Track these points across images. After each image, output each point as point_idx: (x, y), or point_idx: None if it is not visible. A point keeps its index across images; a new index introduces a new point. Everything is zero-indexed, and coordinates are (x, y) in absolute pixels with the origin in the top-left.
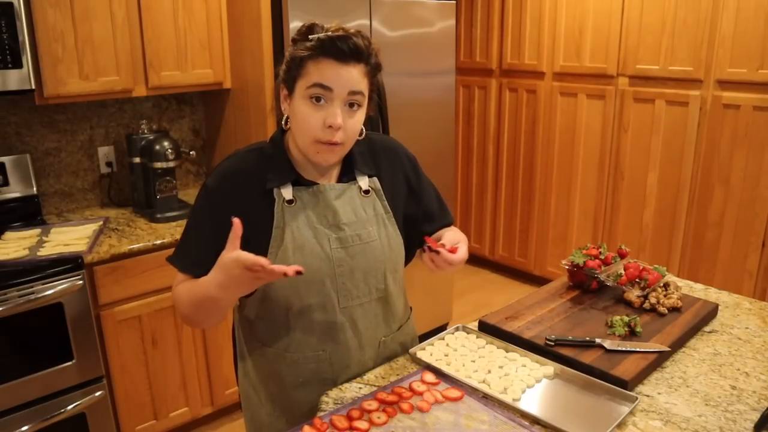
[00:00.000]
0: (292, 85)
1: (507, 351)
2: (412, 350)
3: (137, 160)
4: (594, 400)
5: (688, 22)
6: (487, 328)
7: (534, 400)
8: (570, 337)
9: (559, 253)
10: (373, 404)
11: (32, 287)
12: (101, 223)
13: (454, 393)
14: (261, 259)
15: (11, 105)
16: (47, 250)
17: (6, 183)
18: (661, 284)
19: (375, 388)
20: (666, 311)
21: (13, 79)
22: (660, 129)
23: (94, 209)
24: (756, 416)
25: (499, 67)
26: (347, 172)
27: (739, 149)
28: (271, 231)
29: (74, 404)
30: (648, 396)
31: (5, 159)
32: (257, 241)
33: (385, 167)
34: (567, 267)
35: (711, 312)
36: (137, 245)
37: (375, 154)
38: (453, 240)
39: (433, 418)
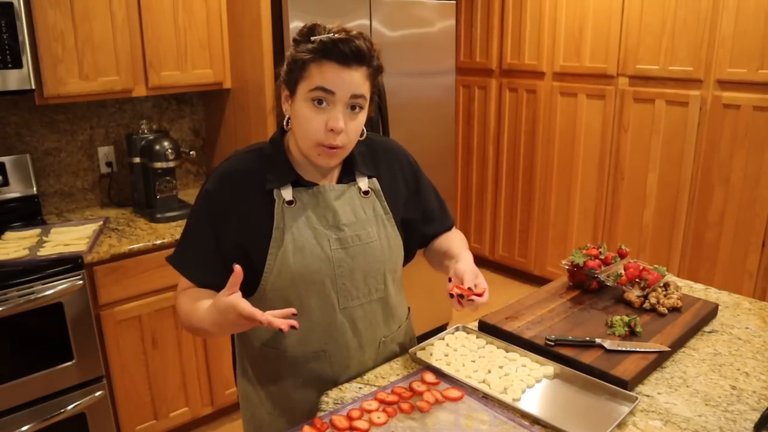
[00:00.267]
0: (293, 87)
1: (507, 351)
2: (412, 350)
3: (137, 160)
4: (594, 400)
5: (688, 22)
6: (487, 328)
7: (534, 400)
8: (570, 337)
9: (559, 253)
10: (373, 404)
11: (32, 287)
12: (101, 223)
13: (454, 393)
14: (256, 312)
15: (11, 105)
16: (47, 250)
17: (6, 183)
18: (661, 284)
19: (375, 388)
20: (666, 311)
21: (13, 79)
22: (660, 129)
23: (94, 209)
24: (756, 416)
25: (499, 67)
26: (347, 173)
27: (739, 149)
28: (271, 232)
29: (74, 404)
30: (648, 396)
31: (5, 159)
32: (257, 242)
33: (385, 168)
34: (567, 267)
35: (711, 312)
36: (137, 245)
37: (375, 156)
38: (471, 270)
39: (433, 418)
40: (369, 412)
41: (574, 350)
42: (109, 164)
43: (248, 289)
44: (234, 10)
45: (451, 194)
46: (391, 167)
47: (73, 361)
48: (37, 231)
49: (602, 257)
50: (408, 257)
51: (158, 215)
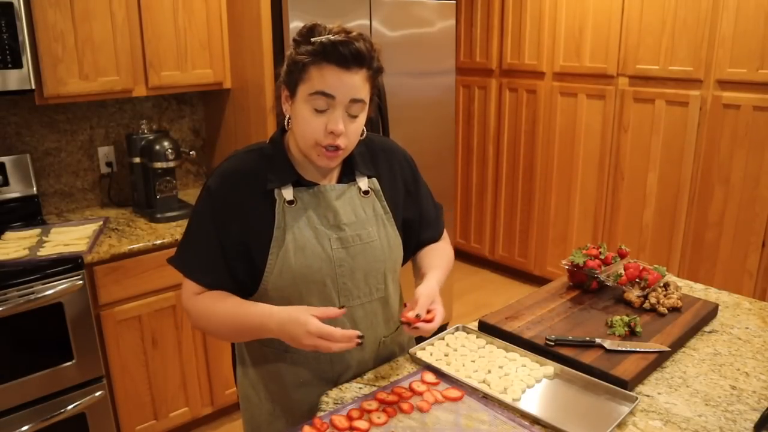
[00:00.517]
0: (293, 88)
1: (507, 351)
2: (412, 350)
3: (137, 160)
4: (594, 400)
5: (688, 22)
6: (487, 328)
7: (534, 400)
8: (570, 337)
9: (559, 253)
10: (373, 404)
11: (32, 287)
12: (101, 223)
13: (454, 393)
14: (335, 332)
15: (11, 105)
16: (47, 250)
17: (6, 183)
18: (661, 284)
19: (375, 388)
20: (666, 311)
21: (13, 79)
22: (660, 129)
23: (94, 209)
24: (756, 416)
25: (499, 67)
26: (347, 173)
27: (739, 149)
28: (272, 232)
29: (74, 404)
30: (648, 396)
31: (5, 159)
32: (258, 241)
33: (385, 168)
34: (567, 267)
35: (711, 312)
36: (137, 245)
37: (374, 155)
38: (428, 294)
39: (433, 418)
40: (369, 412)
41: (574, 350)
42: (109, 164)
43: (249, 289)
44: (234, 10)
45: (451, 194)
46: (391, 167)
47: (73, 361)
48: (37, 231)
49: (602, 257)
50: (405, 257)
51: (158, 215)
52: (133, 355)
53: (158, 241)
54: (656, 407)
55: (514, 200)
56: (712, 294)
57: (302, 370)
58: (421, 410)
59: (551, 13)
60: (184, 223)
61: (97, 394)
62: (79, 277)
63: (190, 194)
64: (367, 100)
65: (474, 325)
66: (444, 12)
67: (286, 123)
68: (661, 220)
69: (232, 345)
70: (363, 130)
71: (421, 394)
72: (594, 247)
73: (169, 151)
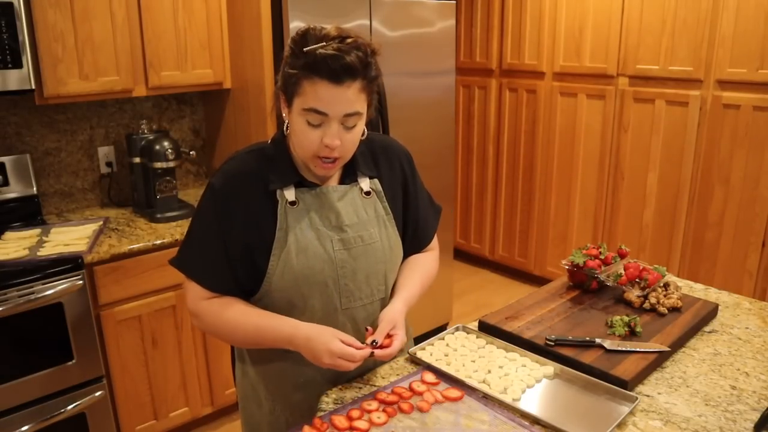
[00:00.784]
0: (289, 99)
1: (507, 351)
2: (412, 350)
3: (137, 160)
4: (594, 400)
5: (688, 22)
6: (487, 328)
7: (534, 400)
8: (570, 337)
9: (559, 253)
10: (373, 404)
11: (32, 287)
12: (101, 223)
13: (454, 393)
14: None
15: (11, 105)
16: (47, 250)
17: (6, 183)
18: (661, 284)
19: (375, 388)
20: (666, 311)
21: (13, 79)
22: (660, 129)
23: (94, 209)
24: (756, 416)
25: (499, 67)
26: (349, 174)
27: (739, 149)
28: (275, 233)
29: (74, 404)
30: (648, 396)
31: (5, 159)
32: (261, 242)
33: (385, 168)
34: (567, 267)
35: (711, 312)
36: (137, 245)
37: (375, 155)
38: (390, 319)
39: (433, 418)
40: (369, 412)
41: (574, 350)
42: (109, 164)
43: (251, 289)
44: (234, 10)
45: (451, 194)
46: (392, 166)
47: (73, 361)
48: (37, 231)
49: (602, 257)
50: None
51: (158, 215)
52: (133, 355)
53: (158, 241)
54: (656, 407)
55: (514, 200)
56: (712, 294)
57: (303, 370)
58: (421, 410)
59: (551, 13)
60: (184, 223)
61: (97, 394)
62: (79, 277)
63: (190, 194)
64: (364, 110)
65: (474, 325)
66: (444, 12)
67: (285, 128)
68: (661, 220)
69: (232, 345)
70: (364, 131)
71: (421, 394)
72: (594, 247)
73: (169, 151)
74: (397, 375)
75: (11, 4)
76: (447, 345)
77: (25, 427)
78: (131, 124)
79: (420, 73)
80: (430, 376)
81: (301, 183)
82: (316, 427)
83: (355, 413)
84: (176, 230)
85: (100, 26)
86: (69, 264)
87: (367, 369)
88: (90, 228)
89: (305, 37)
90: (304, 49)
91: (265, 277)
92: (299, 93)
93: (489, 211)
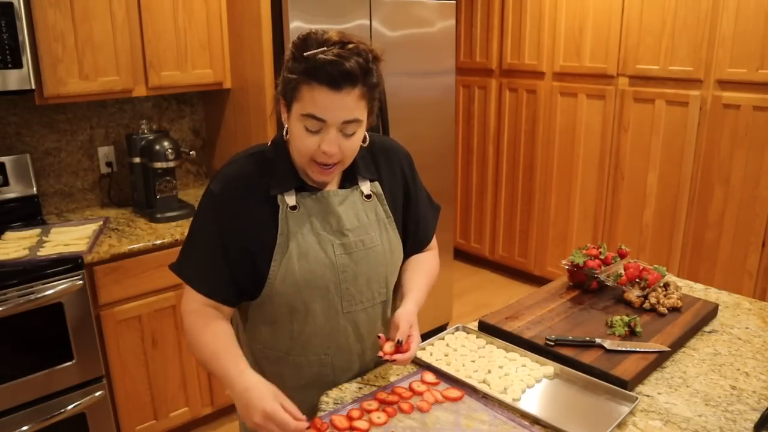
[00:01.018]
0: (289, 103)
1: (507, 351)
2: None
3: (137, 160)
4: (594, 400)
5: (688, 22)
6: (487, 328)
7: (534, 400)
8: (570, 337)
9: (559, 253)
10: (373, 404)
11: (32, 287)
12: (101, 223)
13: (454, 393)
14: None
15: (11, 105)
16: (47, 250)
17: (6, 183)
18: (661, 284)
19: (375, 388)
20: (666, 311)
21: (13, 79)
22: (660, 129)
23: (94, 209)
24: (756, 416)
25: (499, 67)
26: (349, 177)
27: (739, 149)
28: (276, 238)
29: (74, 404)
30: (648, 396)
31: (5, 159)
32: (262, 247)
33: (386, 171)
34: (567, 267)
35: (711, 312)
36: (137, 245)
37: (376, 158)
38: (408, 319)
39: (433, 418)
40: (369, 412)
41: (574, 350)
42: (109, 164)
43: (252, 294)
44: (234, 10)
45: (451, 194)
46: (392, 168)
47: (73, 361)
48: (37, 231)
49: (602, 257)
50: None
51: (158, 215)
52: (133, 355)
53: (158, 241)
54: (656, 407)
55: (514, 200)
56: (712, 294)
57: (305, 374)
58: (421, 410)
59: (551, 13)
60: (185, 223)
61: (97, 394)
62: (79, 277)
63: (190, 194)
64: (364, 118)
65: (474, 325)
66: (444, 12)
67: (285, 133)
68: (661, 220)
69: None
70: (365, 137)
71: (421, 394)
72: (594, 247)
73: (169, 151)
74: (397, 375)
75: (11, 4)
76: (447, 345)
77: (25, 427)
78: (131, 124)
79: (420, 73)
80: (430, 376)
81: (301, 187)
82: (316, 427)
83: (355, 413)
84: (176, 230)
85: (100, 26)
86: (69, 264)
87: (367, 369)
88: (90, 228)
89: (306, 41)
90: (304, 54)
91: (267, 282)
92: (298, 98)
93: (489, 211)
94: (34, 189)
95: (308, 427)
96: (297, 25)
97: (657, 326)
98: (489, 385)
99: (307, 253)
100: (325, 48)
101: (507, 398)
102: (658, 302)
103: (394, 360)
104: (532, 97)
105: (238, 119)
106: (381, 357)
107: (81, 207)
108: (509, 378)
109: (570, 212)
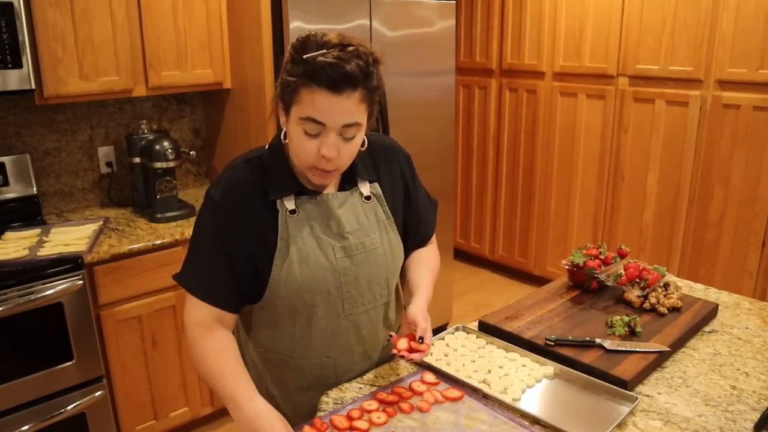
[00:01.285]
0: (287, 107)
1: (507, 351)
2: None
3: (137, 160)
4: (594, 400)
5: (688, 22)
6: (487, 328)
7: (534, 400)
8: (570, 337)
9: (559, 253)
10: (373, 404)
11: (32, 287)
12: (101, 223)
13: (454, 393)
14: None
15: (11, 105)
16: (47, 250)
17: (6, 183)
18: (661, 284)
19: (375, 388)
20: (666, 311)
21: (13, 79)
22: (660, 129)
23: (94, 209)
24: (756, 416)
25: (499, 67)
26: (349, 179)
27: (739, 149)
28: (276, 242)
29: (74, 404)
30: (648, 396)
31: (5, 159)
32: (263, 252)
33: (385, 171)
34: (567, 267)
35: (711, 312)
36: (137, 245)
37: (375, 158)
38: (424, 316)
39: (433, 418)
40: (369, 412)
41: (574, 350)
42: (109, 164)
43: (254, 297)
44: (234, 10)
45: (451, 194)
46: (391, 169)
47: (73, 361)
48: (37, 231)
49: (602, 257)
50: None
51: (158, 215)
52: (133, 355)
53: (158, 241)
54: (656, 407)
55: (514, 200)
56: (712, 294)
57: (306, 376)
58: (421, 410)
59: (551, 13)
60: (185, 223)
61: (97, 394)
62: (79, 277)
63: (190, 194)
64: (364, 121)
65: (474, 325)
66: (444, 12)
67: (283, 136)
68: (661, 220)
69: None
70: (364, 141)
71: (421, 394)
72: (594, 247)
73: (169, 151)
74: (397, 375)
75: (11, 4)
76: (447, 345)
77: (25, 427)
78: (131, 124)
79: (420, 73)
80: (430, 376)
81: (300, 191)
82: (316, 427)
83: (355, 413)
84: (176, 230)
85: (100, 26)
86: (69, 264)
87: (369, 370)
88: (90, 228)
89: (306, 43)
90: (304, 56)
91: (268, 287)
92: (297, 101)
93: (489, 211)
94: (34, 189)
95: (308, 427)
96: (297, 25)
97: (657, 326)
98: (489, 385)
99: (307, 257)
100: (325, 50)
101: (507, 398)
102: (658, 302)
103: (412, 358)
104: (532, 97)
105: (238, 119)
106: (398, 355)
107: (81, 207)
108: (509, 378)
109: (570, 212)
